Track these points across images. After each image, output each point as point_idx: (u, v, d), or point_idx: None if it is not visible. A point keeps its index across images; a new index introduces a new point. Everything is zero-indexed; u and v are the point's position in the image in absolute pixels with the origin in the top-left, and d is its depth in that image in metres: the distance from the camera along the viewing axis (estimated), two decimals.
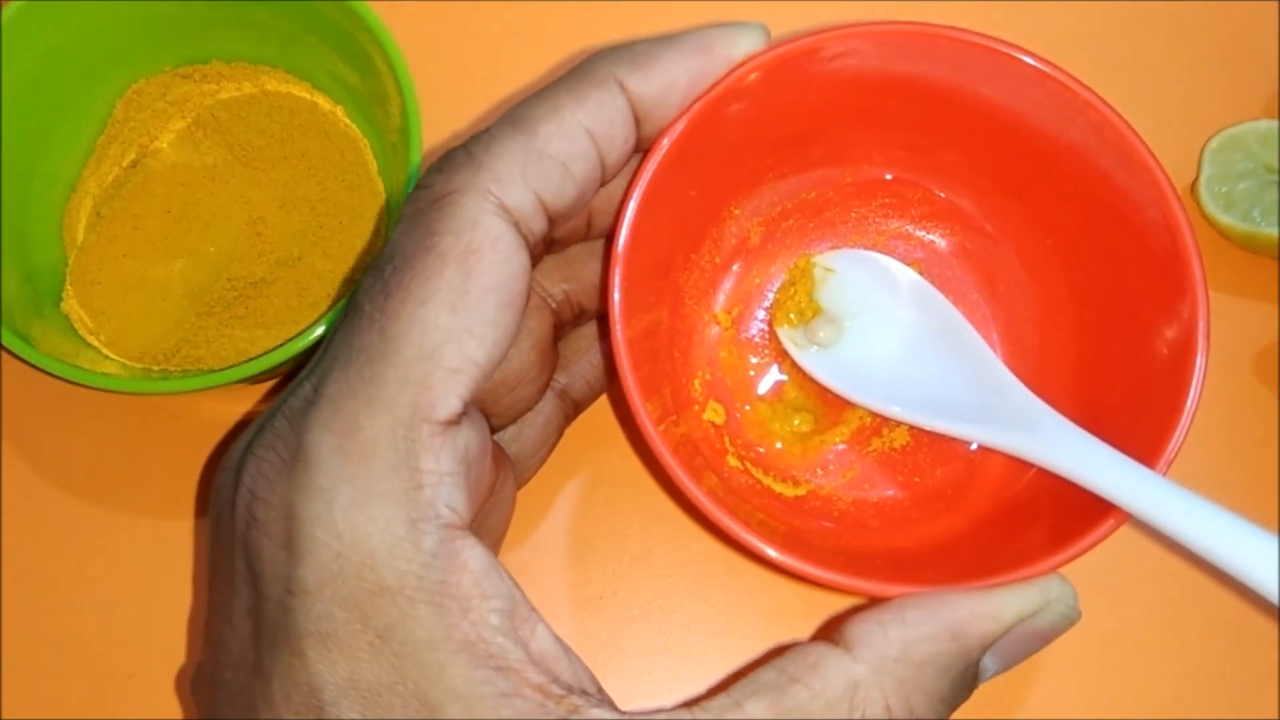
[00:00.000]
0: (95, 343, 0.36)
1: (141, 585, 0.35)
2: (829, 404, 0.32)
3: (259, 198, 0.37)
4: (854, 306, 0.32)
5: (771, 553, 0.25)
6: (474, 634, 0.21)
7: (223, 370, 0.32)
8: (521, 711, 0.21)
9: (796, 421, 0.32)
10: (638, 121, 0.25)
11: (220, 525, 0.24)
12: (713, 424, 0.32)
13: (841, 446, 0.32)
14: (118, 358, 0.36)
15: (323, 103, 0.38)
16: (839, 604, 0.35)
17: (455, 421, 0.22)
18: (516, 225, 0.23)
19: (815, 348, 0.32)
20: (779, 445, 0.32)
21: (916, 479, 0.32)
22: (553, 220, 0.24)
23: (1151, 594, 0.34)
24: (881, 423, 0.32)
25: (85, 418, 0.36)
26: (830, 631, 0.24)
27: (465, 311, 0.22)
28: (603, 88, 0.24)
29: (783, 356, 0.33)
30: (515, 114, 0.24)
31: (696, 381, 0.32)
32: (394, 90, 0.33)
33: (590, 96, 0.24)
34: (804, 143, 0.31)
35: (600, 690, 0.22)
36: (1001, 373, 0.30)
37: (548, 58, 0.39)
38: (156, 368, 0.35)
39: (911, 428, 0.32)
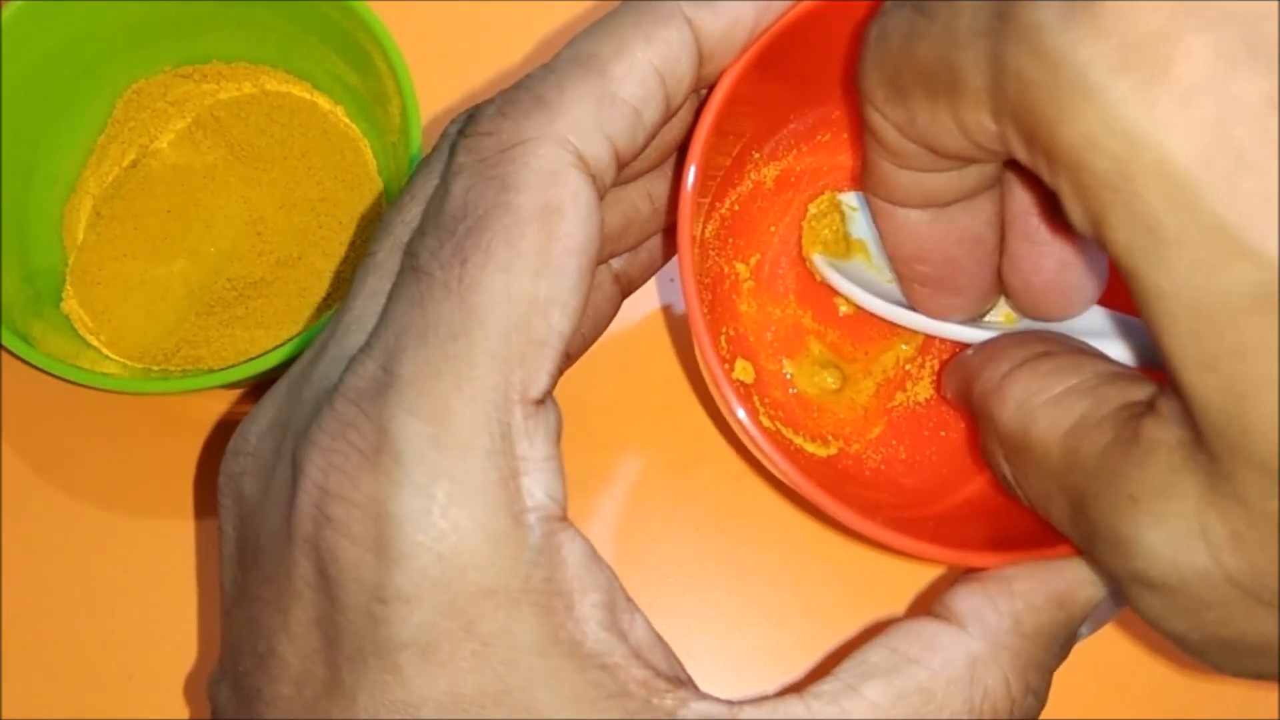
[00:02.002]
0: (95, 343, 0.36)
1: (141, 585, 0.35)
2: (854, 357, 0.32)
3: (259, 198, 0.37)
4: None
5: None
6: (578, 632, 0.20)
7: (223, 370, 0.32)
8: (629, 710, 0.20)
9: (826, 377, 0.32)
10: (700, 60, 0.23)
11: (253, 522, 0.22)
12: (742, 383, 0.31)
13: (867, 403, 0.32)
14: (118, 358, 0.36)
15: (323, 103, 0.38)
16: (840, 600, 0.35)
17: (543, 400, 0.20)
18: (593, 178, 0.21)
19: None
20: (807, 403, 0.32)
21: (943, 433, 0.32)
22: (619, 171, 0.22)
23: None
24: (905, 375, 0.32)
25: (85, 418, 0.36)
26: (925, 607, 0.23)
27: (550, 278, 0.20)
28: (670, 24, 0.22)
29: (805, 307, 0.32)
30: (578, 52, 0.22)
31: (722, 338, 0.31)
32: (394, 90, 0.33)
33: (658, 34, 0.22)
34: (829, 84, 0.30)
35: (690, 678, 0.22)
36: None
37: (549, 58, 0.39)
38: (156, 368, 0.35)
39: (935, 380, 0.32)
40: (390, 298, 0.21)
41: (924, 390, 0.32)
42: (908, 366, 0.32)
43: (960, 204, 0.25)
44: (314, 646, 0.20)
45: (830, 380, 0.32)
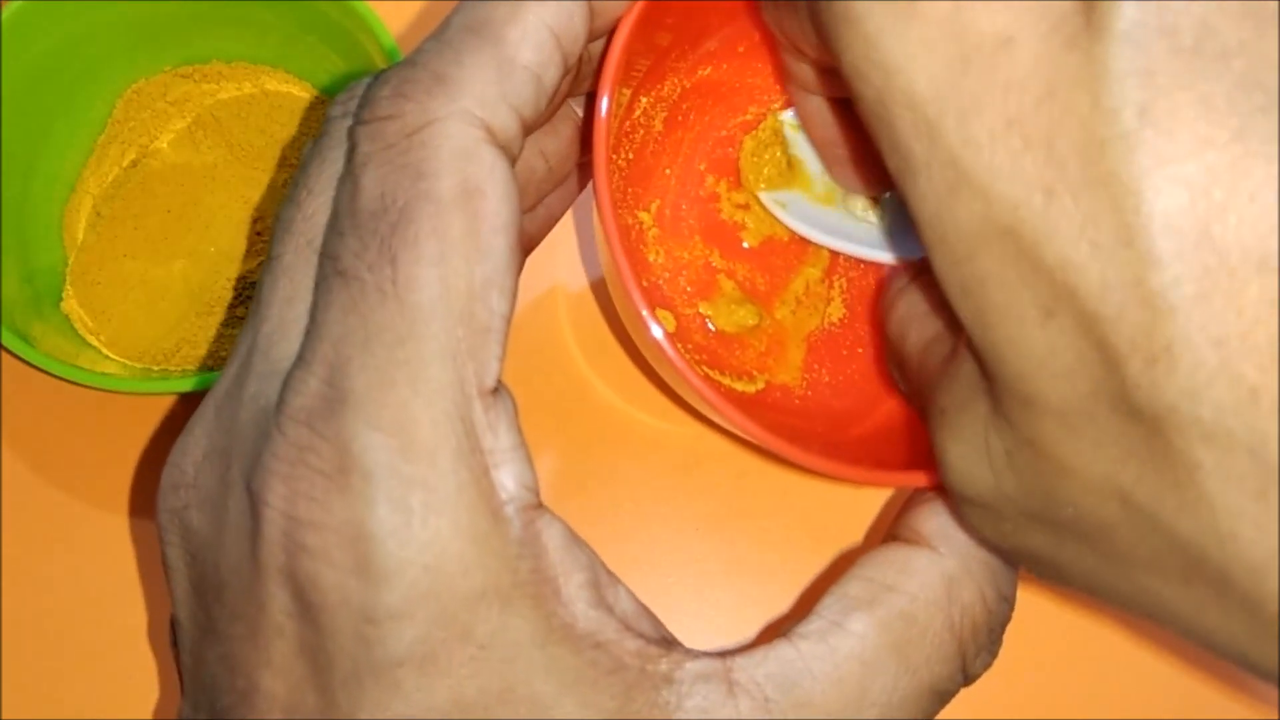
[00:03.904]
0: (95, 343, 0.36)
1: (141, 585, 0.35)
2: (766, 290, 0.32)
3: (259, 198, 0.37)
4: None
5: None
6: (569, 616, 0.20)
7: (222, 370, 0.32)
8: (627, 682, 0.20)
9: (744, 315, 0.32)
10: (591, 15, 0.22)
11: (209, 557, 0.21)
12: (665, 332, 0.31)
13: (785, 332, 0.32)
14: (118, 358, 0.36)
15: (323, 103, 0.38)
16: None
17: (497, 388, 0.20)
18: (504, 150, 0.20)
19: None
20: (729, 341, 0.32)
21: (860, 350, 0.32)
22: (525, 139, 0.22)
23: None
24: (816, 298, 0.32)
25: (85, 418, 0.36)
26: (890, 533, 0.23)
27: (482, 261, 0.19)
28: None
29: (712, 245, 0.32)
30: (470, 18, 0.21)
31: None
32: None
33: None
34: (703, 16, 0.29)
35: (676, 639, 0.22)
36: None
37: None
38: (156, 368, 0.35)
39: (845, 299, 0.32)
40: (317, 305, 0.20)
41: (836, 310, 0.32)
42: (817, 289, 0.32)
43: None
44: (302, 675, 0.20)
45: (748, 317, 0.32)
